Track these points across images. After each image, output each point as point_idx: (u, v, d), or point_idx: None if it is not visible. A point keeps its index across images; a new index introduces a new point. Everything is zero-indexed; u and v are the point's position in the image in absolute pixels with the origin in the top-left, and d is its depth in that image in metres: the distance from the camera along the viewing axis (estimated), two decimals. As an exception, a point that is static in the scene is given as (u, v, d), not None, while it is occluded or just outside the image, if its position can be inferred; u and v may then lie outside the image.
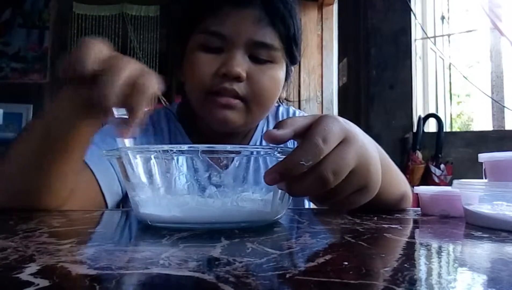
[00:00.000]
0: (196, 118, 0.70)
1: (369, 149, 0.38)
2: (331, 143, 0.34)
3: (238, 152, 0.37)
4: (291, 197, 0.40)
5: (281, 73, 0.64)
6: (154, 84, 0.43)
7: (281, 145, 0.36)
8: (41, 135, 0.49)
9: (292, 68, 0.70)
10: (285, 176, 0.33)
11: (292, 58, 0.67)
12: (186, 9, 0.67)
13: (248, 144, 0.73)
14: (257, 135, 0.75)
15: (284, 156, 0.34)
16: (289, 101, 0.82)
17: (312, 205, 0.60)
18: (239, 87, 0.60)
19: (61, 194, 0.52)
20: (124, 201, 0.67)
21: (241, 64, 0.59)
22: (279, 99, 0.70)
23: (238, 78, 0.59)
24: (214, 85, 0.60)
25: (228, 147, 0.37)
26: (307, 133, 0.35)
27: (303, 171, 0.33)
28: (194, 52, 0.62)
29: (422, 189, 0.53)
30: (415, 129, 1.97)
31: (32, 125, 0.52)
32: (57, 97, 0.49)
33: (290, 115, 0.79)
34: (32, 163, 0.49)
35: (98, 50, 0.42)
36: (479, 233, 0.37)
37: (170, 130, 0.72)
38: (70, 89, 0.47)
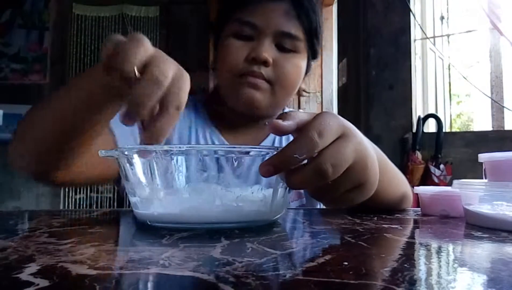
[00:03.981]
0: (222, 105, 0.74)
1: (367, 146, 0.38)
2: (327, 138, 0.34)
3: (237, 152, 0.37)
4: (290, 197, 0.40)
5: (302, 62, 0.71)
6: (186, 89, 0.41)
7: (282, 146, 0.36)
8: (67, 112, 0.48)
9: (312, 63, 0.76)
10: (279, 169, 0.34)
11: (313, 51, 0.73)
12: (223, 1, 0.75)
13: (267, 137, 0.75)
14: None
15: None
16: (307, 92, 0.86)
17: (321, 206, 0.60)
18: (266, 71, 0.67)
19: (78, 167, 0.54)
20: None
21: (268, 51, 0.66)
22: (298, 90, 0.76)
23: (265, 63, 0.66)
24: (244, 68, 0.67)
25: (228, 147, 0.37)
26: (304, 127, 0.35)
27: (301, 164, 0.33)
28: (228, 39, 0.68)
29: (422, 189, 0.53)
30: (414, 129, 1.97)
31: (58, 98, 0.51)
32: (88, 77, 0.48)
33: None
34: (56, 135, 0.49)
35: (145, 48, 0.39)
36: (479, 233, 0.37)
37: (196, 115, 0.76)
38: (104, 76, 0.43)
